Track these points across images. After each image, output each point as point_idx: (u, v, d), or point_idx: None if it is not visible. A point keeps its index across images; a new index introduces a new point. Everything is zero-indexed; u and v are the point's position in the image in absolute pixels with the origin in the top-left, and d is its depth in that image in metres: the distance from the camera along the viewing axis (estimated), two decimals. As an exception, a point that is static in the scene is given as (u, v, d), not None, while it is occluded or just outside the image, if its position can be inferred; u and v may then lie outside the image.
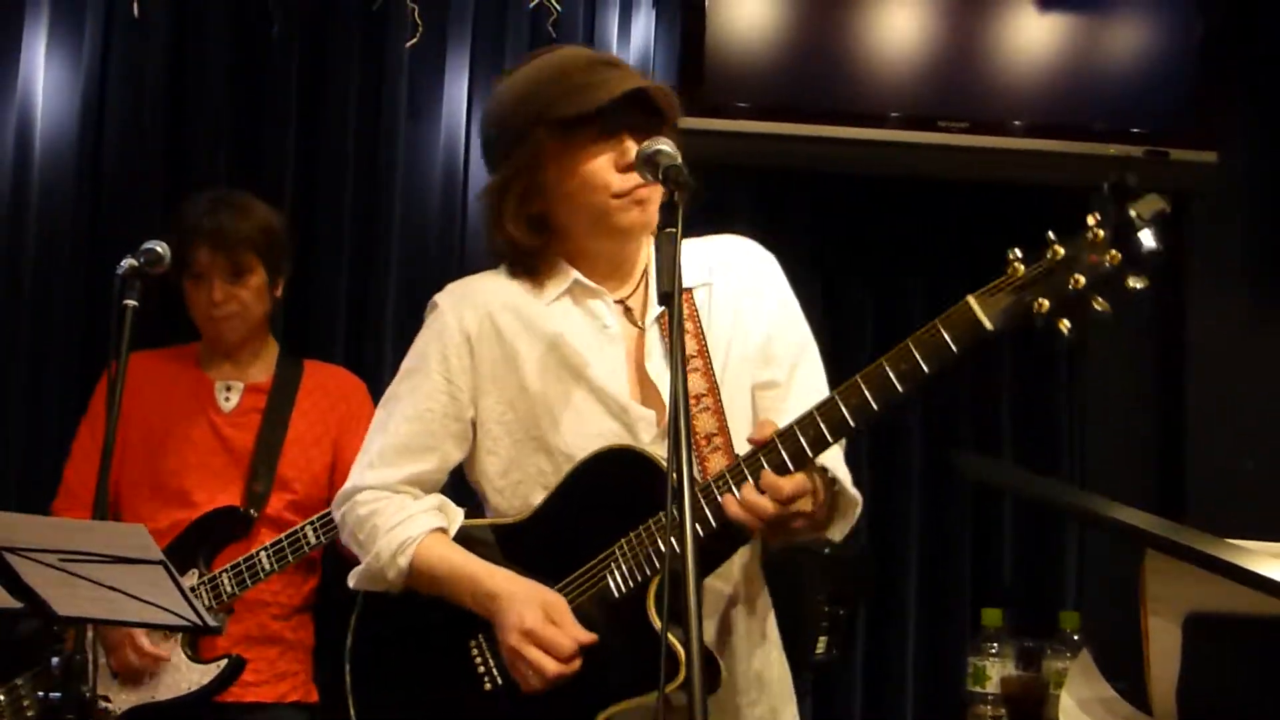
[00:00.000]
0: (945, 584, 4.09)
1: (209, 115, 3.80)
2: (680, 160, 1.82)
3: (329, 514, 2.96)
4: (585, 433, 2.06)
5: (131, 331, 2.47)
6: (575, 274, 2.13)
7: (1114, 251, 1.75)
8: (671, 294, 1.67)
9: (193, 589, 2.95)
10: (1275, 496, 3.94)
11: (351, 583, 2.16)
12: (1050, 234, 1.80)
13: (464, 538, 2.11)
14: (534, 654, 1.94)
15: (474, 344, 2.12)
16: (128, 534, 2.02)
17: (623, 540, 1.98)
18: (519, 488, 2.11)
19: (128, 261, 2.62)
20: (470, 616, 2.04)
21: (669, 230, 1.72)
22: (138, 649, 2.92)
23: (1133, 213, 1.76)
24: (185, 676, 2.97)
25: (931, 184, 3.91)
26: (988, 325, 1.81)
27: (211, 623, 2.15)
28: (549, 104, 2.04)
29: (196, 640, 2.99)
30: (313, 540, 2.98)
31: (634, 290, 2.17)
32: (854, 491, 2.03)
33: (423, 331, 2.19)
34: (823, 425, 1.88)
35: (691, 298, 2.14)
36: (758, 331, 2.16)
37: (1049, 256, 1.78)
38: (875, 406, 1.85)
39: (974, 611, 3.36)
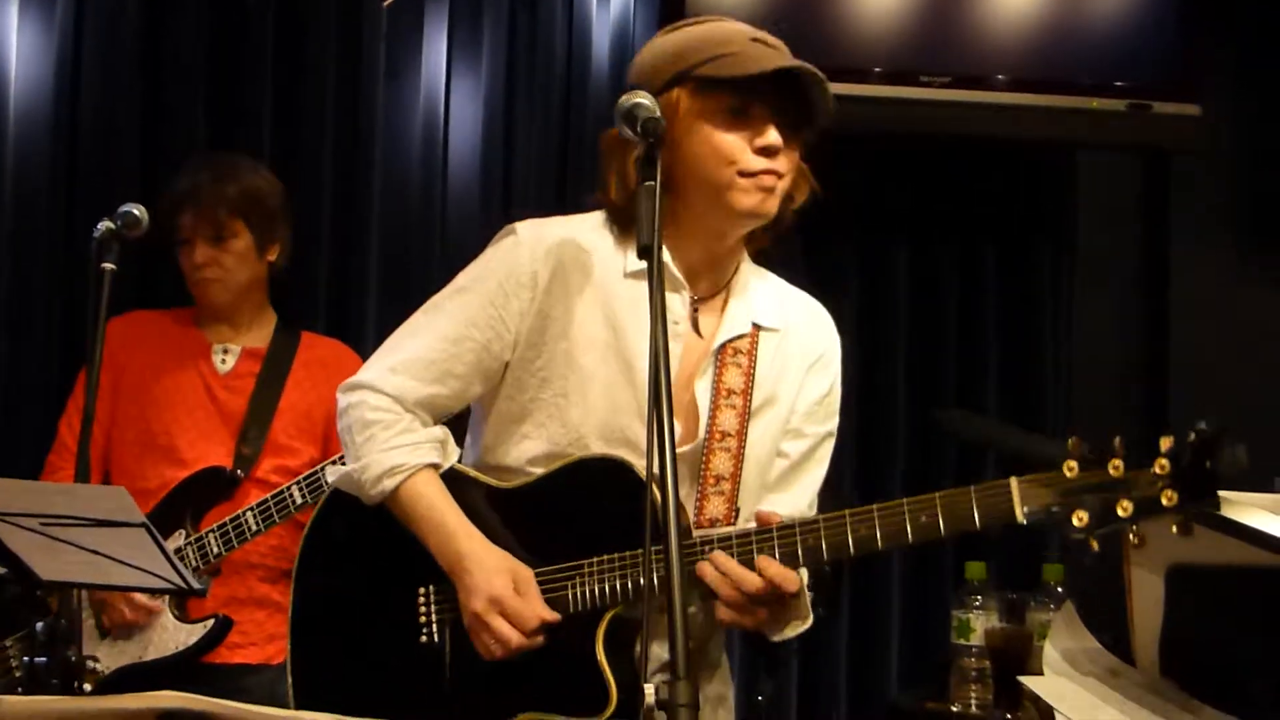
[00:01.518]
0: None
1: (186, 76, 3.77)
2: (659, 114, 1.78)
3: (315, 474, 2.97)
4: (608, 423, 2.01)
5: (110, 294, 2.45)
6: (665, 256, 2.00)
7: (1173, 494, 1.71)
8: (651, 247, 1.64)
9: (179, 550, 2.95)
10: (1256, 448, 3.95)
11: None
12: (1118, 442, 1.76)
13: (452, 476, 2.06)
14: (499, 623, 1.92)
15: (538, 291, 2.02)
16: (109, 496, 2.01)
17: (593, 559, 1.95)
18: (523, 442, 2.06)
19: (104, 225, 2.60)
20: (427, 563, 2.00)
21: (648, 184, 1.70)
22: (130, 603, 2.92)
23: (1211, 466, 1.71)
24: (173, 636, 2.98)
25: (914, 139, 3.90)
26: (1020, 518, 1.78)
27: (195, 585, 2.15)
28: (697, 63, 1.96)
29: (183, 601, 2.99)
30: (299, 500, 2.97)
31: (713, 298, 2.10)
32: (809, 609, 2.00)
33: (491, 252, 2.08)
34: (824, 540, 1.86)
35: (757, 337, 2.08)
36: (803, 401, 2.12)
37: (1109, 470, 1.75)
38: (879, 545, 1.84)
39: (958, 565, 3.38)
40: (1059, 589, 2.95)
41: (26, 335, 3.65)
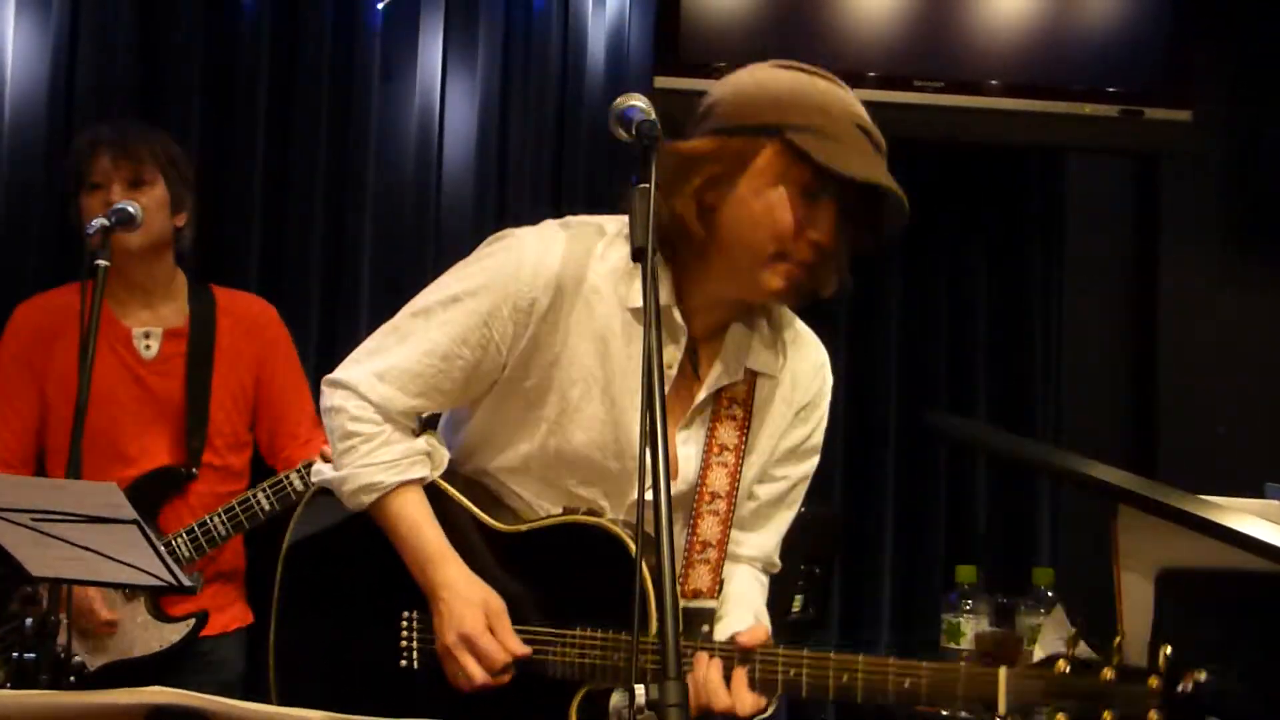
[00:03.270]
0: (920, 541, 4.12)
1: (180, 75, 3.76)
2: (654, 116, 1.76)
3: (280, 480, 2.97)
4: (583, 459, 1.97)
5: (103, 290, 2.46)
6: (671, 299, 1.95)
7: (1160, 714, 1.67)
8: (645, 249, 1.62)
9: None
10: (1245, 452, 3.97)
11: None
12: (1117, 643, 1.73)
13: (443, 504, 2.03)
14: (467, 660, 1.90)
15: (534, 318, 1.93)
16: (100, 493, 2.01)
17: (577, 630, 1.92)
18: (504, 452, 2.02)
19: (98, 221, 2.60)
20: (412, 587, 1.98)
21: (643, 185, 1.66)
22: (91, 613, 2.90)
23: (1203, 703, 1.68)
24: (155, 635, 2.97)
25: (906, 144, 3.90)
26: (1001, 708, 1.75)
27: (186, 582, 2.14)
28: (797, 125, 1.86)
29: (159, 601, 2.99)
30: (266, 507, 2.97)
31: (710, 340, 2.01)
32: None
33: (490, 263, 1.98)
34: (804, 677, 1.82)
35: (754, 385, 2.03)
36: (785, 445, 2.07)
37: (1100, 675, 1.71)
38: (858, 698, 1.81)
39: (948, 568, 3.39)
40: (1049, 593, 2.96)
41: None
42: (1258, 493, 2.87)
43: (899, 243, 4.14)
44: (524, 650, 1.92)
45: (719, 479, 1.99)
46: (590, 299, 1.95)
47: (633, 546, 1.88)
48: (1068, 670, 1.72)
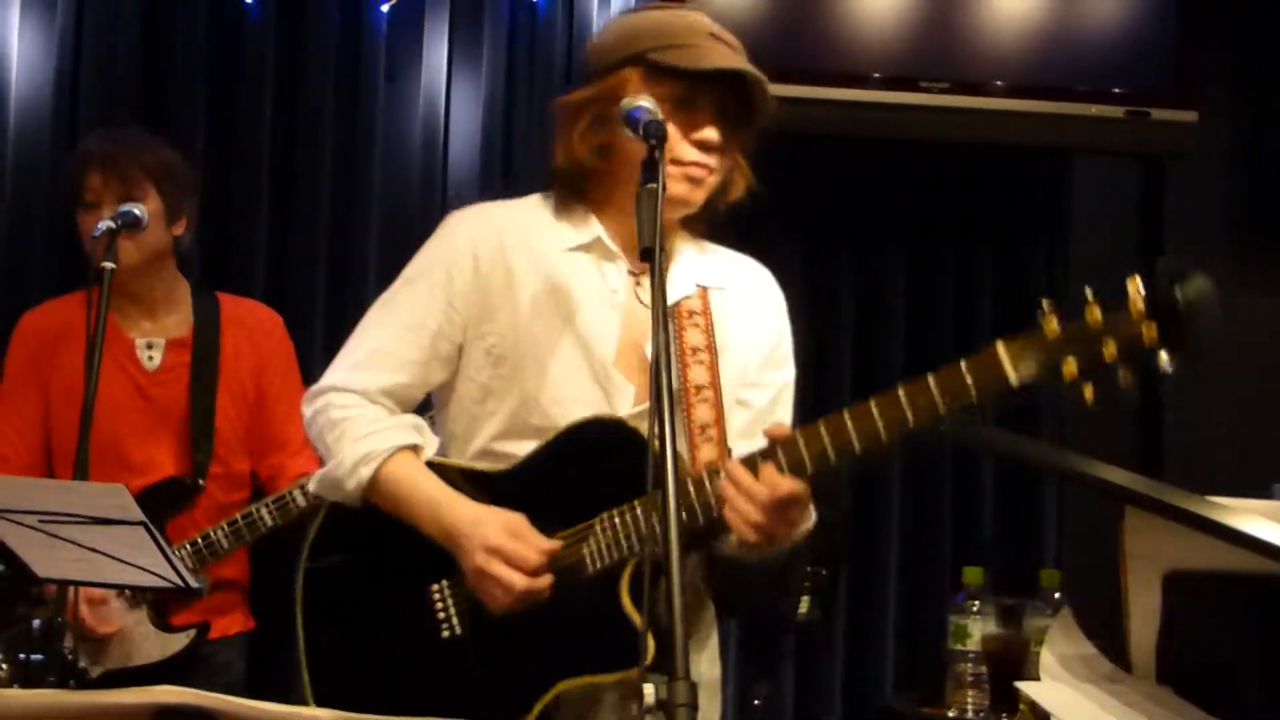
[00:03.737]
0: (926, 543, 4.11)
1: (185, 76, 3.77)
2: (660, 116, 1.81)
3: (283, 495, 2.97)
4: (563, 388, 2.04)
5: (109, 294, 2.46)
6: (600, 231, 2.11)
7: (1151, 326, 1.73)
8: (653, 249, 1.65)
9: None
10: (1252, 454, 3.96)
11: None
12: (1089, 291, 1.78)
13: (443, 473, 2.06)
14: (501, 569, 1.92)
15: (480, 268, 2.08)
16: (108, 494, 2.01)
17: (604, 515, 1.96)
18: (488, 420, 2.08)
19: (104, 224, 2.61)
20: (436, 559, 2.01)
21: (650, 186, 1.71)
22: (83, 625, 2.86)
23: (1179, 293, 1.72)
24: (155, 645, 2.97)
25: (912, 144, 3.91)
26: (1012, 378, 1.79)
27: (193, 584, 2.14)
28: (652, 48, 2.02)
29: (163, 610, 2.98)
30: (269, 522, 2.97)
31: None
32: (812, 511, 2.01)
33: (433, 242, 2.16)
34: (827, 443, 1.87)
35: (707, 296, 2.14)
36: (755, 351, 2.17)
37: (1086, 319, 1.76)
38: (884, 439, 1.85)
39: (955, 570, 3.39)
40: (1056, 594, 2.95)
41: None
42: (1265, 494, 2.86)
43: (905, 243, 4.15)
44: (552, 544, 1.95)
45: (699, 374, 2.09)
46: (528, 241, 2.10)
47: (632, 423, 1.97)
48: (1057, 325, 1.78)
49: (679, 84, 2.00)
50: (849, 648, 4.05)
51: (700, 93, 2.01)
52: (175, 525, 3.01)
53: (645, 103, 1.84)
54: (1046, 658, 2.04)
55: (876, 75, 3.72)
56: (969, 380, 1.81)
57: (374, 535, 2.08)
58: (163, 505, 3.00)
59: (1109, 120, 3.77)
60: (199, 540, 2.97)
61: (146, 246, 2.99)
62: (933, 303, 4.18)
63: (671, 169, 1.99)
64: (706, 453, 2.06)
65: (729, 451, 2.07)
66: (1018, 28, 3.78)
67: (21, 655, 2.69)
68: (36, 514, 1.98)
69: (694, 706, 1.45)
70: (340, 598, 2.12)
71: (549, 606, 1.95)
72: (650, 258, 1.67)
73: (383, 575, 2.09)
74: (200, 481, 3.04)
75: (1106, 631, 2.07)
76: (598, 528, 1.96)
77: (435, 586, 2.04)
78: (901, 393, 1.84)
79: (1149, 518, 2.03)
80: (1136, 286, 1.75)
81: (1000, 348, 1.81)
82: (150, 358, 3.08)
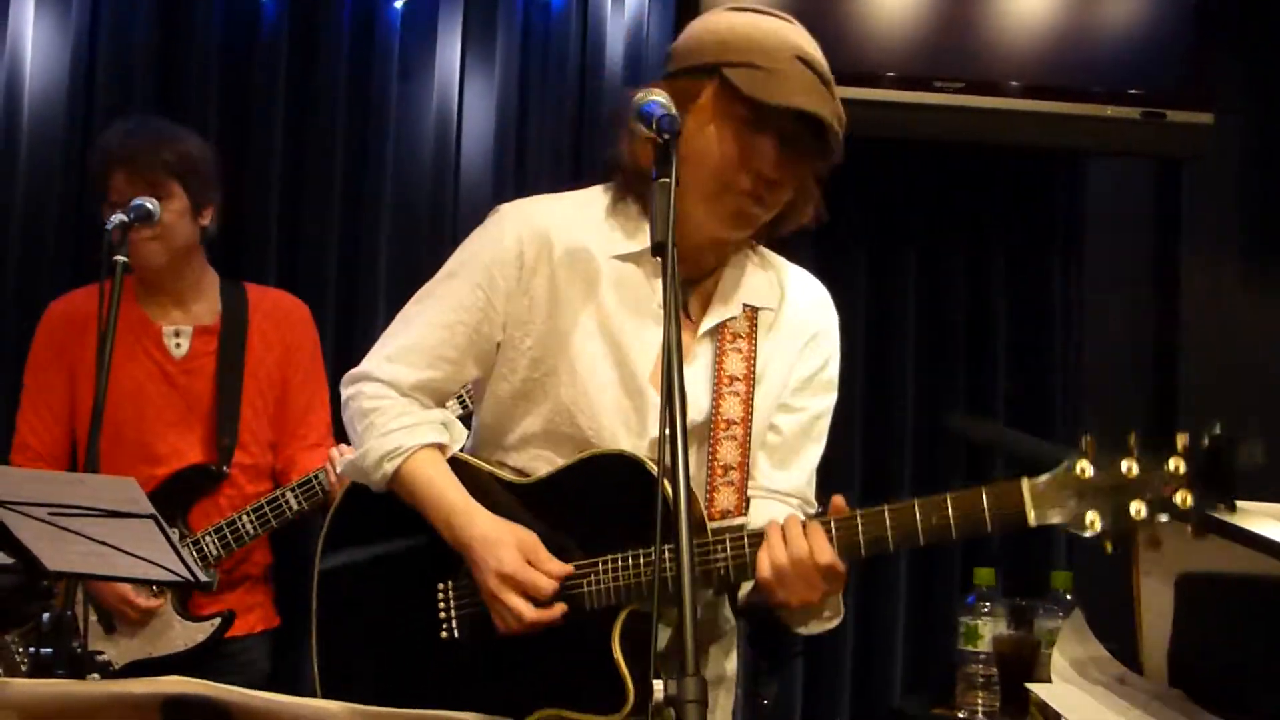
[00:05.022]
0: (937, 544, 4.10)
1: (199, 72, 3.77)
2: (674, 111, 1.78)
3: (309, 480, 2.97)
4: (595, 398, 2.01)
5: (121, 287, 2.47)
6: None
7: (1188, 496, 1.66)
8: (664, 244, 1.64)
9: (178, 550, 2.95)
10: (1269, 460, 3.94)
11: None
12: (1132, 439, 1.70)
13: (464, 470, 2.06)
14: (513, 600, 1.92)
15: (524, 268, 2.03)
16: (118, 487, 2.01)
17: (609, 557, 1.94)
18: (522, 420, 2.06)
19: (117, 217, 2.61)
20: (445, 558, 2.01)
21: (663, 180, 1.69)
22: (126, 602, 2.92)
23: (1230, 464, 1.66)
24: (180, 634, 2.99)
25: (926, 145, 3.90)
26: (1030, 519, 1.75)
27: (203, 577, 2.15)
28: (734, 63, 1.93)
29: (187, 599, 3.00)
30: (295, 506, 2.98)
31: (702, 281, 2.09)
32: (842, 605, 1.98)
33: (479, 235, 2.11)
34: (859, 535, 1.83)
35: (755, 318, 2.08)
36: (794, 378, 2.12)
37: (1123, 470, 1.70)
38: (890, 547, 1.82)
39: (966, 571, 3.38)
40: (1067, 596, 2.95)
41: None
42: (1278, 497, 2.84)
43: (917, 243, 4.14)
44: (565, 569, 1.94)
45: (732, 407, 2.04)
46: (574, 245, 2.03)
47: (653, 467, 1.91)
48: (1089, 470, 1.71)
49: (749, 108, 1.92)
50: (858, 648, 4.04)
51: (769, 123, 1.92)
52: (200, 511, 3.02)
53: (659, 97, 1.81)
54: (1057, 659, 2.03)
55: (890, 74, 3.71)
56: (986, 515, 1.78)
57: (390, 526, 2.08)
58: (188, 491, 3.02)
59: (1124, 121, 3.76)
60: (224, 526, 2.98)
61: (173, 245, 3.03)
62: (945, 304, 4.17)
63: (723, 197, 1.96)
64: (724, 497, 2.02)
65: (747, 502, 2.04)
66: (1033, 28, 3.77)
67: (32, 649, 2.70)
68: (46, 506, 1.98)
69: (704, 703, 1.44)
70: (352, 587, 2.12)
71: (546, 633, 1.94)
72: (661, 253, 1.66)
73: (395, 568, 2.10)
74: (225, 469, 3.04)
75: (1118, 633, 2.06)
76: (600, 569, 1.94)
77: (441, 586, 2.05)
78: (917, 508, 1.80)
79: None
80: (1184, 446, 1.67)
81: (1025, 487, 1.76)
82: (178, 345, 3.10)
